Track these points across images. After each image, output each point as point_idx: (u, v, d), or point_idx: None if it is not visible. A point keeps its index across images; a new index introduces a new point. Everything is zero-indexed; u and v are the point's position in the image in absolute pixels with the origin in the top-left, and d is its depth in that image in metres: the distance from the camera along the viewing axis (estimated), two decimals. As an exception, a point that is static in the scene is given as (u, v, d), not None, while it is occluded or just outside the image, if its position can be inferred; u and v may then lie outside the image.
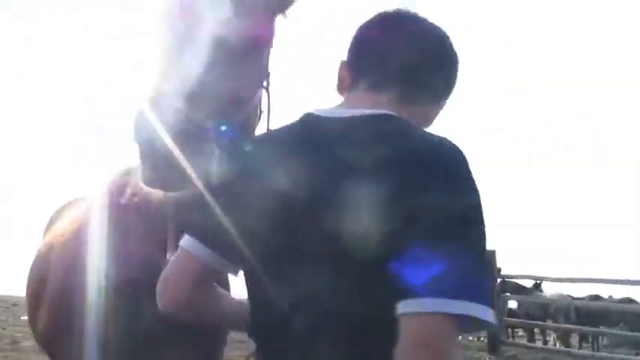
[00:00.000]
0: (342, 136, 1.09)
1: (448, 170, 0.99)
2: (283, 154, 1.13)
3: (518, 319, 12.68)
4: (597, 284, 11.18)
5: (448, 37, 1.25)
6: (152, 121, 1.15)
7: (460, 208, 0.96)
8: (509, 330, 13.48)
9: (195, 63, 1.19)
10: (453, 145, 1.04)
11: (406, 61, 1.18)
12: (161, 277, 1.22)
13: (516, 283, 12.68)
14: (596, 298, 13.61)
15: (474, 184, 1.00)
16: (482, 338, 12.62)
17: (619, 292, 13.67)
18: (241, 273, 1.24)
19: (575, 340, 13.72)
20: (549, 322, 12.75)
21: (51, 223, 2.70)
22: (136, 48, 1.57)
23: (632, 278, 10.02)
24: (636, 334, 11.13)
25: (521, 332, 15.48)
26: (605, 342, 13.86)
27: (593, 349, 12.66)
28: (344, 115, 1.14)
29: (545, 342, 14.03)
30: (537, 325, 11.79)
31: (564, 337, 13.05)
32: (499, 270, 10.73)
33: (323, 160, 1.06)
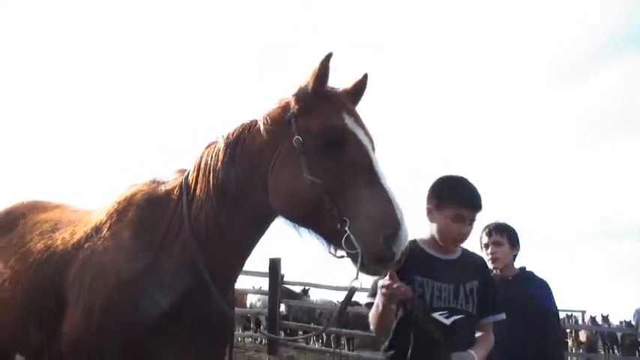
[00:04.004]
0: None
1: None
2: None
3: (294, 323, 13.68)
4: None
5: None
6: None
7: None
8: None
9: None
10: None
11: None
12: None
13: (288, 289, 13.64)
14: (355, 303, 15.32)
15: None
16: (259, 340, 13.29)
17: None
18: None
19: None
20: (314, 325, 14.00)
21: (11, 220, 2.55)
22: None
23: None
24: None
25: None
26: (357, 342, 15.67)
27: (349, 350, 14.26)
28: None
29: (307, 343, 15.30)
30: (308, 328, 12.91)
31: (328, 339, 14.48)
32: (282, 277, 11.51)
33: None
